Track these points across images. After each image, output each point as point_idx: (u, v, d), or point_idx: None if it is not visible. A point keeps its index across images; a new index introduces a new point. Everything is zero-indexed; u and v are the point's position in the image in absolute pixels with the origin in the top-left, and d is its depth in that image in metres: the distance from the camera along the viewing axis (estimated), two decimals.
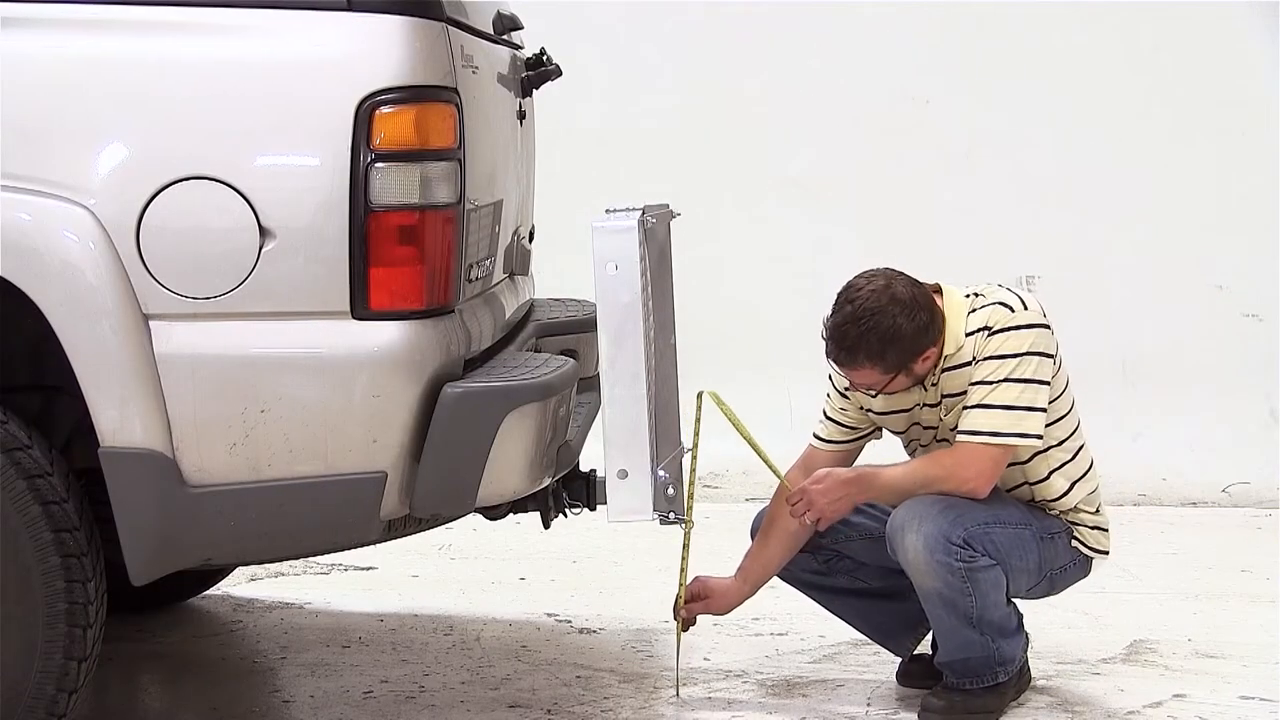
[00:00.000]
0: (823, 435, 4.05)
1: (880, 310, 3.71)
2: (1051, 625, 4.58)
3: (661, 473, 3.49)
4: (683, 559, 3.94)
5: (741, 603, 4.05)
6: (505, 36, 3.90)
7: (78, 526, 3.20)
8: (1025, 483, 3.92)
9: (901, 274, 3.81)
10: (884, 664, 4.23)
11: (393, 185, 3.14)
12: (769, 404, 5.88)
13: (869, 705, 4.03)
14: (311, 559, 5.26)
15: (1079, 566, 3.97)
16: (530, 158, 4.27)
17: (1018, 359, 3.77)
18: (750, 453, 3.91)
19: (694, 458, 3.86)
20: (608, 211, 3.58)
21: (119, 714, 4.16)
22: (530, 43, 4.18)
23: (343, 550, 3.57)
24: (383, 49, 3.16)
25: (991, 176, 6.64)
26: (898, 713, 4.00)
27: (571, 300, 4.46)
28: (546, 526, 3.94)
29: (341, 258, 3.14)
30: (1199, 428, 6.46)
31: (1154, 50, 6.58)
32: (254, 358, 3.15)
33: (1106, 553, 4.01)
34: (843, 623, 4.19)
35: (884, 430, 4.02)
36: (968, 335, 3.81)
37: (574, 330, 4.16)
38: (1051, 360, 3.83)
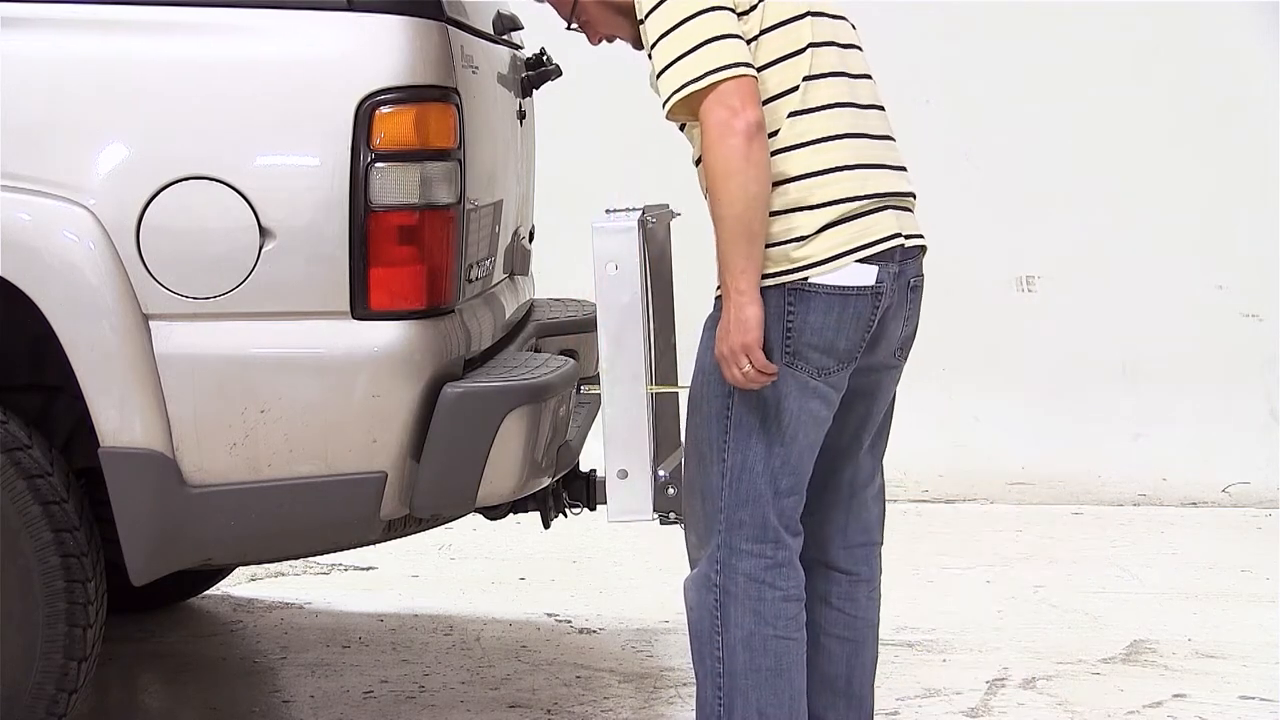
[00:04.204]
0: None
1: None
2: (1051, 625, 4.58)
3: (661, 473, 3.48)
4: None
5: None
6: (505, 36, 3.90)
7: (78, 526, 3.20)
8: None
9: None
10: (884, 664, 4.23)
11: (393, 185, 3.14)
12: None
13: None
14: (311, 559, 5.26)
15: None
16: (530, 158, 4.27)
17: None
18: None
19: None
20: (608, 211, 3.57)
21: (119, 714, 4.16)
22: (530, 43, 4.18)
23: (343, 550, 3.57)
24: (383, 49, 3.15)
25: (991, 176, 6.64)
26: (898, 712, 4.01)
27: (571, 300, 4.46)
28: (546, 526, 3.94)
29: (341, 258, 3.14)
30: (1199, 428, 6.46)
31: (1154, 50, 6.58)
32: (254, 358, 3.15)
33: None
34: None
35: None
36: None
37: (574, 330, 4.16)
38: None
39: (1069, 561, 5.49)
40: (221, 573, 4.89)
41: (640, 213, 3.49)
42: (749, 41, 3.01)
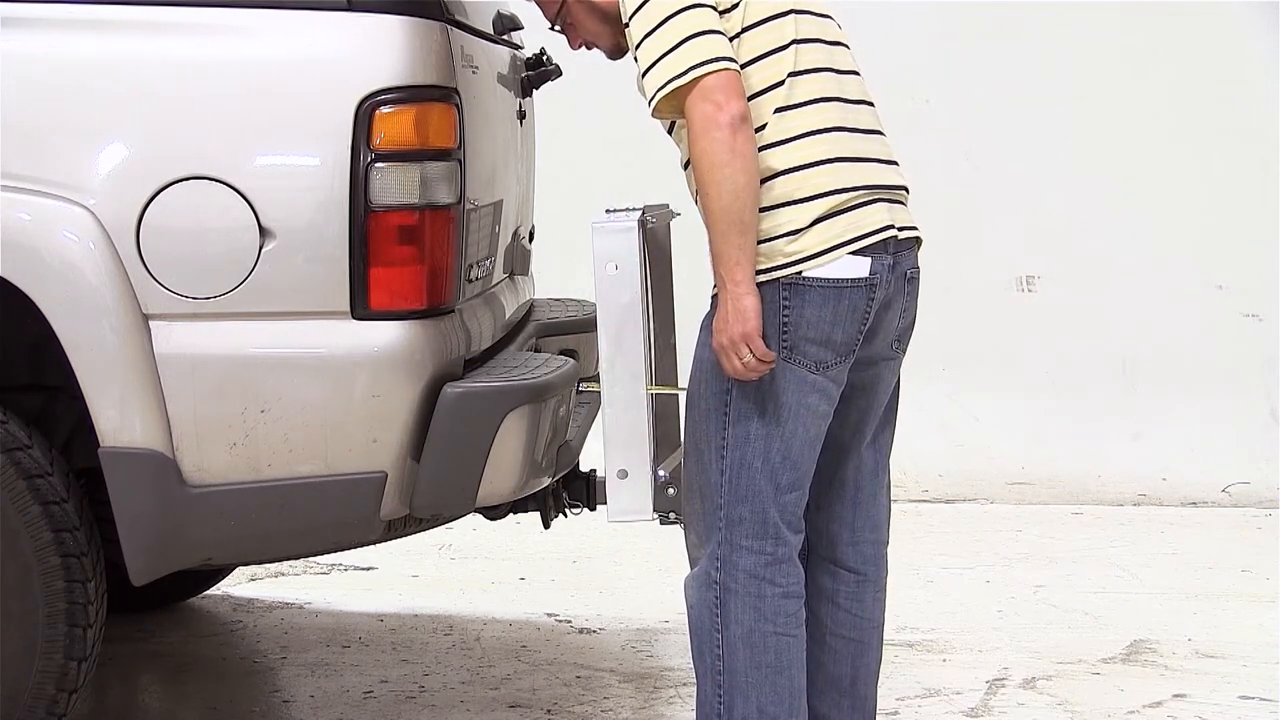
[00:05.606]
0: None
1: None
2: (1051, 625, 4.58)
3: (661, 473, 3.48)
4: None
5: None
6: (505, 36, 3.90)
7: (78, 526, 3.20)
8: None
9: None
10: (884, 664, 4.23)
11: (393, 185, 3.14)
12: None
13: None
14: (311, 559, 5.26)
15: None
16: (530, 158, 4.27)
17: None
18: None
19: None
20: (608, 211, 3.57)
21: (119, 714, 4.16)
22: (531, 43, 4.18)
23: (343, 550, 3.57)
24: (383, 49, 3.15)
25: (991, 176, 6.64)
26: (898, 712, 4.00)
27: (571, 300, 4.46)
28: (546, 526, 3.94)
29: (341, 258, 3.13)
30: (1199, 428, 6.46)
31: (1154, 50, 6.58)
32: (254, 358, 3.14)
33: None
34: None
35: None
36: None
37: (574, 330, 4.16)
38: None
39: (1069, 561, 5.49)
40: (221, 573, 4.89)
41: (640, 213, 3.49)
42: (731, 39, 3.02)
